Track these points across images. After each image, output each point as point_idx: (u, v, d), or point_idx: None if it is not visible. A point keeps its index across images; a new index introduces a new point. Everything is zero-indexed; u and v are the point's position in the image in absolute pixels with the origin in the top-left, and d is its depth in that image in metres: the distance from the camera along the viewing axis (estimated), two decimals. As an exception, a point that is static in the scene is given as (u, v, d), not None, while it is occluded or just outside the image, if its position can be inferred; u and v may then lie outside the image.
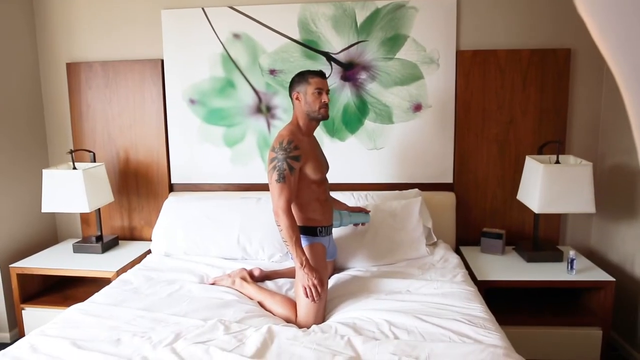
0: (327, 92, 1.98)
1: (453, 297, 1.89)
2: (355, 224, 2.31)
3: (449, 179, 2.68)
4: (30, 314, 2.47)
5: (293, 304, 1.93)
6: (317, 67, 2.58)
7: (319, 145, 2.14)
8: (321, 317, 1.87)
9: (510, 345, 1.58)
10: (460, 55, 2.58)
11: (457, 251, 2.61)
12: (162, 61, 2.74)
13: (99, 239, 2.67)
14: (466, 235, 2.69)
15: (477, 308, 1.81)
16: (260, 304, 1.98)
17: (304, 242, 1.95)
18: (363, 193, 2.60)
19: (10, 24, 2.65)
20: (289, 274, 2.22)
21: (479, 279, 2.22)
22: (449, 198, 2.63)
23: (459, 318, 1.72)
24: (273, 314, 1.92)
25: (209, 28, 2.67)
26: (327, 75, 2.26)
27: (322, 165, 2.05)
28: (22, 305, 2.48)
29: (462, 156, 2.65)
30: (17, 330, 2.55)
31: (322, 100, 1.95)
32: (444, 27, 2.56)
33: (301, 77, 1.99)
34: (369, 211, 2.32)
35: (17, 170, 2.68)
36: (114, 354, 1.53)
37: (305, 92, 1.96)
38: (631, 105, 0.33)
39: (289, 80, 2.04)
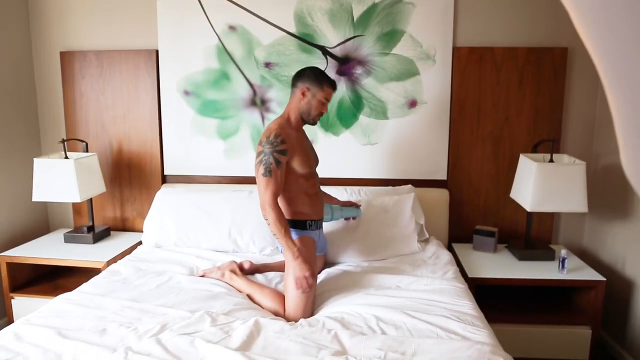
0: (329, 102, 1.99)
1: (443, 294, 1.88)
2: (347, 219, 2.31)
3: (442, 175, 2.67)
4: (20, 303, 2.46)
5: (282, 298, 1.92)
6: (313, 61, 2.57)
7: (307, 139, 2.12)
8: (309, 310, 1.87)
9: (498, 343, 1.58)
10: (456, 52, 2.56)
11: (449, 248, 2.60)
12: (157, 52, 2.72)
13: (91, 229, 2.65)
14: (459, 232, 2.68)
15: (467, 305, 1.80)
16: (249, 297, 1.98)
17: (294, 236, 1.94)
18: (356, 188, 2.59)
19: (4, 10, 2.62)
20: (280, 267, 2.21)
21: (470, 276, 2.22)
22: (442, 195, 2.62)
23: (447, 315, 1.72)
24: (262, 307, 1.91)
25: (204, 19, 2.65)
26: (324, 70, 2.25)
27: (311, 159, 2.03)
28: (11, 294, 2.47)
29: (456, 153, 2.64)
30: (6, 319, 2.54)
31: (322, 111, 1.97)
32: (441, 23, 2.54)
33: (318, 77, 1.94)
34: (360, 205, 2.31)
35: (9, 159, 2.66)
36: (98, 343, 1.52)
37: (314, 94, 1.94)
38: (613, 102, 0.32)
39: (285, 73, 2.03)
